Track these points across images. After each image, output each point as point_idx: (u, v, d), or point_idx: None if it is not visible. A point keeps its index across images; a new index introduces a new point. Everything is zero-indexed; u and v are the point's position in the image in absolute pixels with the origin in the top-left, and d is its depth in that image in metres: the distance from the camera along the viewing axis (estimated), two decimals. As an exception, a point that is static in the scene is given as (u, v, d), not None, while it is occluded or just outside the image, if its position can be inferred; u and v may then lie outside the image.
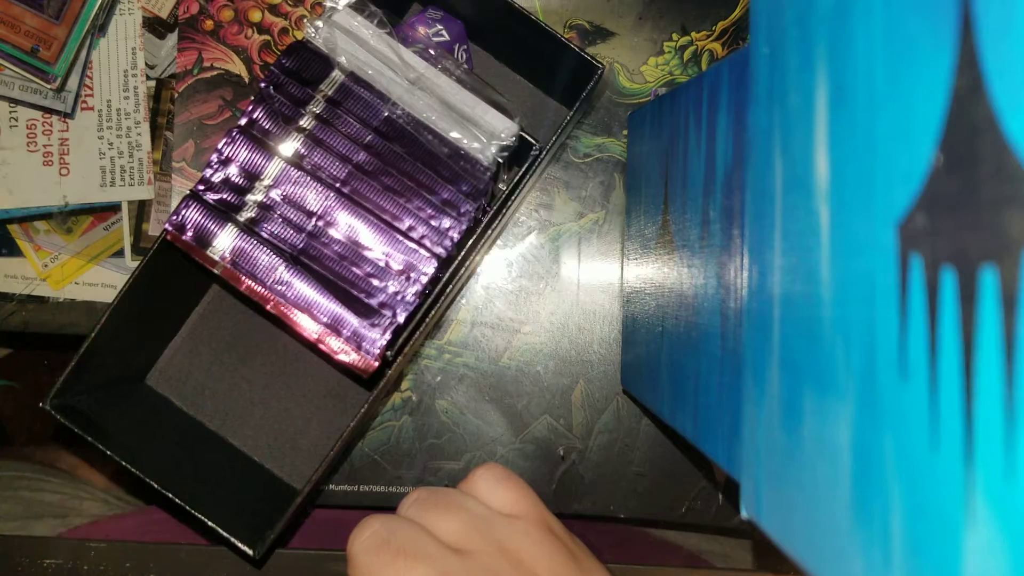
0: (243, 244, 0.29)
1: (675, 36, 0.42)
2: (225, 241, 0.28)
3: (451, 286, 0.33)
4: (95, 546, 0.38)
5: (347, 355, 0.29)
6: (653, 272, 0.34)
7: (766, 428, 0.21)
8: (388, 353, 0.30)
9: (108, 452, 0.32)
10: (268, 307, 0.29)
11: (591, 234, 0.43)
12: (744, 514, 0.22)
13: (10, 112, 0.41)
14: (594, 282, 0.42)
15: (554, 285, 0.42)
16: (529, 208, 0.43)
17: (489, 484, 0.33)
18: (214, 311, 0.40)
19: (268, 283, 0.29)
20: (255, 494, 0.38)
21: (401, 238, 0.30)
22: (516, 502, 0.33)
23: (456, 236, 0.31)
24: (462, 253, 0.33)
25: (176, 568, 0.38)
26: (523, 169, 0.35)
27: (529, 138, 0.35)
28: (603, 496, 0.42)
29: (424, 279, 0.30)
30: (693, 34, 0.42)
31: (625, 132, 0.42)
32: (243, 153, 0.30)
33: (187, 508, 0.32)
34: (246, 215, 0.29)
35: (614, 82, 0.43)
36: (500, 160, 0.32)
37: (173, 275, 0.35)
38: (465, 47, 0.38)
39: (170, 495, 0.32)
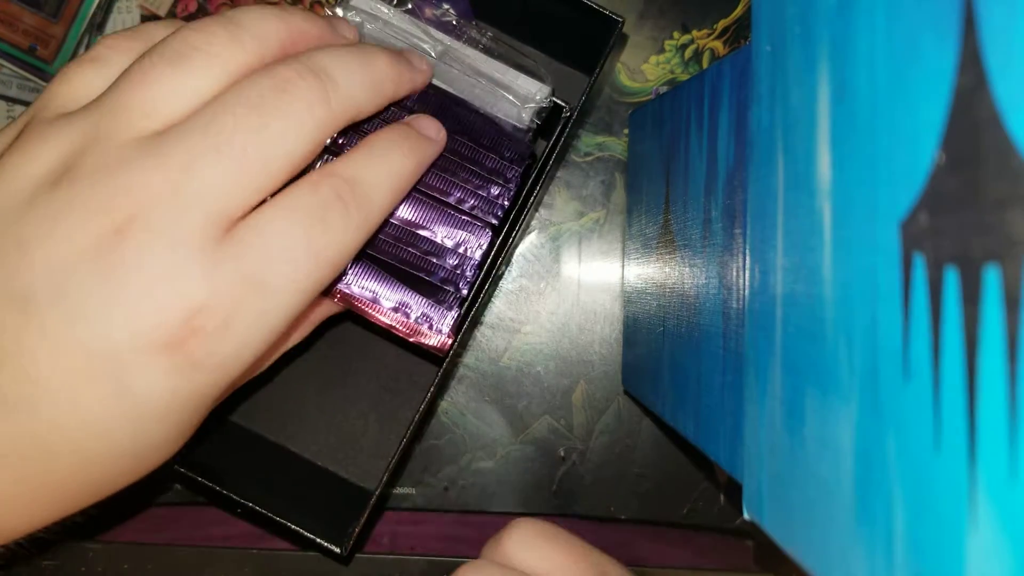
0: None
1: (676, 34, 0.42)
2: None
3: (505, 251, 0.33)
4: (92, 547, 0.38)
5: (425, 337, 0.29)
6: (654, 272, 0.34)
7: (768, 429, 0.21)
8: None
9: (182, 470, 0.32)
10: (335, 299, 0.29)
11: (592, 233, 0.42)
12: (746, 515, 0.22)
13: (7, 111, 0.41)
14: (595, 282, 0.42)
15: (554, 285, 0.42)
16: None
17: (524, 548, 0.27)
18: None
19: None
20: (324, 498, 0.38)
21: (452, 212, 0.30)
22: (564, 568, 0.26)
23: (506, 203, 0.30)
24: (512, 216, 0.32)
25: (174, 569, 0.38)
26: (559, 129, 0.34)
27: (559, 102, 0.34)
28: (604, 497, 0.41)
29: (480, 250, 0.30)
30: (694, 32, 0.42)
31: (626, 131, 0.42)
32: None
33: (271, 516, 0.32)
34: None
35: (615, 80, 0.42)
36: (537, 122, 0.32)
37: None
38: (474, 24, 0.38)
39: (250, 504, 0.32)
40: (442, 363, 0.33)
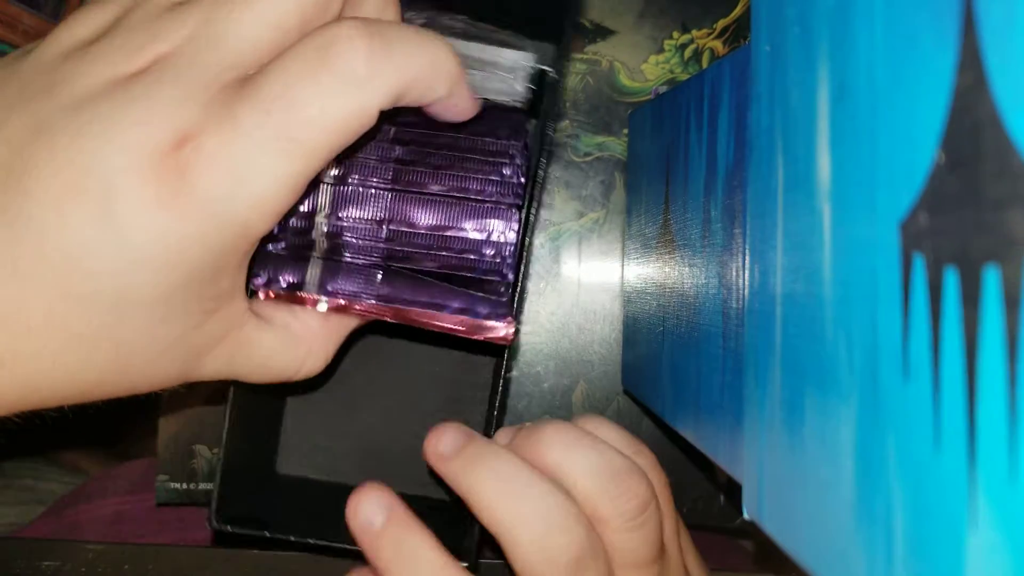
0: (334, 274, 0.29)
1: (675, 34, 0.42)
2: (316, 278, 0.28)
3: (531, 225, 0.32)
4: (93, 548, 0.38)
5: (489, 331, 0.29)
6: (654, 272, 0.34)
7: (768, 428, 0.21)
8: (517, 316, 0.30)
9: (293, 538, 0.32)
10: (388, 319, 0.29)
11: (591, 233, 0.42)
12: (746, 515, 0.22)
13: (9, 112, 0.41)
14: (595, 282, 0.42)
15: (554, 285, 0.42)
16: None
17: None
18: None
19: (374, 298, 0.29)
20: (428, 522, 0.38)
21: (474, 204, 0.30)
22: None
23: (521, 179, 0.30)
24: (530, 188, 0.32)
25: (174, 569, 0.38)
26: (547, 94, 0.34)
27: (544, 68, 0.34)
28: (604, 496, 0.41)
29: (513, 232, 0.30)
30: (694, 32, 0.42)
31: (626, 131, 0.42)
32: None
33: None
34: (321, 248, 0.29)
35: (614, 80, 0.42)
36: (532, 87, 0.32)
37: None
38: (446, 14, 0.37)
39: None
40: (503, 354, 0.33)
